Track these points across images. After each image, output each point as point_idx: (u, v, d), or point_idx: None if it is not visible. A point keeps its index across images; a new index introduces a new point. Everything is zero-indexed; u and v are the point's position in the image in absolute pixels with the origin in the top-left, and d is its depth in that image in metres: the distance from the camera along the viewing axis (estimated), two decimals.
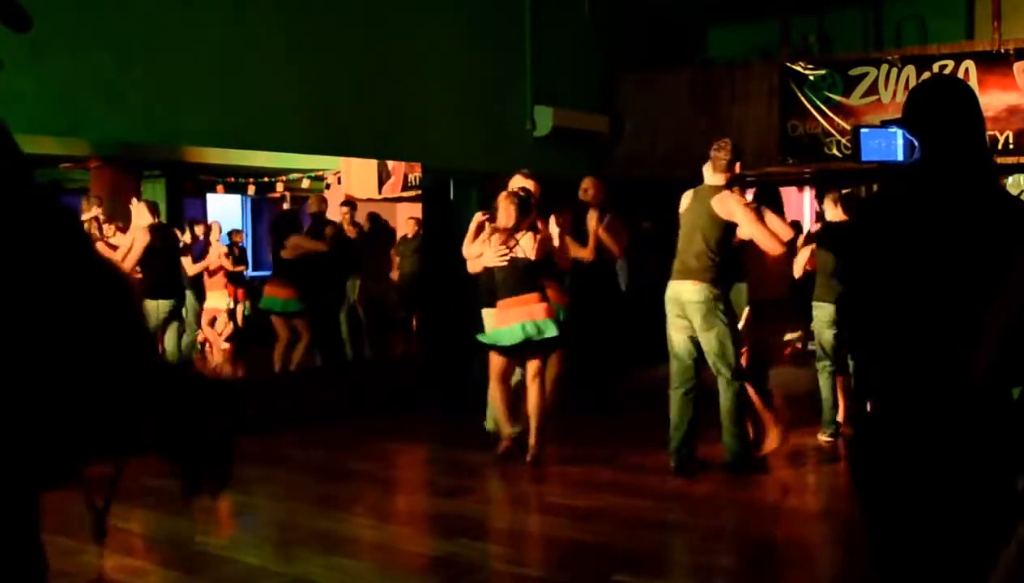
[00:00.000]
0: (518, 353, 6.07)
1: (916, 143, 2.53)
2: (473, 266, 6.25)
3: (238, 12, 7.32)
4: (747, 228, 5.72)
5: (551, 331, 5.97)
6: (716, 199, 5.70)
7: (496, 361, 6.14)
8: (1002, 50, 8.92)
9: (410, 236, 9.37)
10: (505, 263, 6.02)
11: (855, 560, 4.31)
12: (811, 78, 9.73)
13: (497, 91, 9.51)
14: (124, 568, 4.35)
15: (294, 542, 4.79)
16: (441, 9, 8.90)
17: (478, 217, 6.32)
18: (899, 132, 2.60)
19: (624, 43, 10.85)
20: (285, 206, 8.38)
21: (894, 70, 9.35)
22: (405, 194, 8.79)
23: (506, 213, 6.05)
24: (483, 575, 4.26)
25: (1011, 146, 8.82)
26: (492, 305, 6.19)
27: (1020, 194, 8.19)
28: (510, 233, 6.05)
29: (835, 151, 9.52)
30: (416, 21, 8.63)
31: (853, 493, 2.62)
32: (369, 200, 8.57)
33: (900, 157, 2.60)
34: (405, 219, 9.54)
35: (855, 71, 9.55)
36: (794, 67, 9.81)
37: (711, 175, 5.82)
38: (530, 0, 9.70)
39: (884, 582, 2.57)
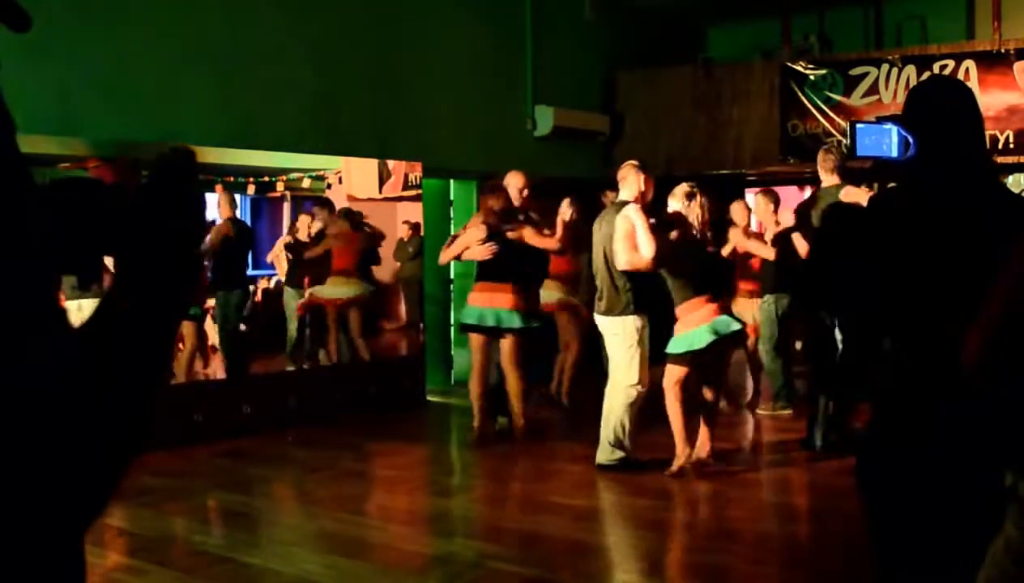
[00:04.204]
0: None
1: (911, 140, 2.53)
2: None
3: (238, 12, 7.33)
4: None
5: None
6: None
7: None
8: (1002, 50, 8.92)
9: (406, 240, 9.32)
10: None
11: (855, 559, 4.30)
12: (811, 78, 9.72)
13: (497, 91, 9.51)
14: (124, 568, 4.36)
15: (294, 542, 4.79)
16: (442, 9, 8.90)
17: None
18: (894, 128, 2.58)
19: (624, 43, 10.84)
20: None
21: (895, 70, 9.34)
22: (405, 194, 8.78)
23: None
24: (482, 574, 4.26)
25: (1011, 146, 8.82)
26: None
27: (1021, 193, 8.19)
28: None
29: None
30: (417, 21, 8.63)
31: (855, 491, 2.62)
32: (369, 199, 8.54)
33: (895, 154, 2.59)
34: (400, 223, 9.47)
35: (855, 71, 9.54)
36: (794, 67, 9.81)
37: (827, 176, 6.41)
38: (530, 0, 9.71)
39: (881, 579, 2.57)
